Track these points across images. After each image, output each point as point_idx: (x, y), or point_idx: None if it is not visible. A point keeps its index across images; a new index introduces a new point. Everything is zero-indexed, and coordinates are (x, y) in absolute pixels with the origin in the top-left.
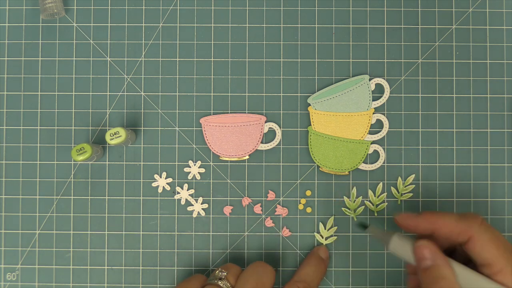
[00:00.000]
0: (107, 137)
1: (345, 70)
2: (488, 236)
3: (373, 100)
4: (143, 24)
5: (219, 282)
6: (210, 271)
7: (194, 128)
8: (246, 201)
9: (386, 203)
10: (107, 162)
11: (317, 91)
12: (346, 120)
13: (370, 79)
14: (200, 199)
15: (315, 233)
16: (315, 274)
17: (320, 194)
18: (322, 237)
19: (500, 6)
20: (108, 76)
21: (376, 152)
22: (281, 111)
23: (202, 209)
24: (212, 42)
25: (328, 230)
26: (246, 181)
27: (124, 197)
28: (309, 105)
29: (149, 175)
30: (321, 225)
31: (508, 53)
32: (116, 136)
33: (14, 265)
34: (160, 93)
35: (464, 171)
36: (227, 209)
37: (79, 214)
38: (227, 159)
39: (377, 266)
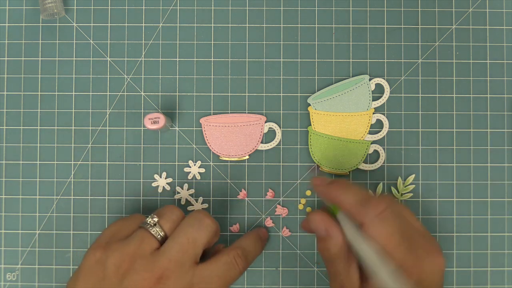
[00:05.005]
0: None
1: (345, 70)
2: (381, 230)
3: (373, 100)
4: (143, 24)
5: (150, 228)
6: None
7: (194, 128)
8: (243, 194)
9: None
10: (107, 162)
11: (317, 91)
12: (346, 120)
13: (370, 79)
14: (200, 199)
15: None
16: (253, 247)
17: None
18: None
19: (500, 6)
20: (108, 76)
21: (376, 152)
22: (281, 111)
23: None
24: (212, 42)
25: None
26: (246, 181)
27: (124, 197)
28: (309, 105)
29: (149, 175)
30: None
31: (508, 53)
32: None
33: (14, 265)
34: (160, 93)
35: (464, 171)
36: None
37: (79, 214)
38: (227, 159)
39: None
